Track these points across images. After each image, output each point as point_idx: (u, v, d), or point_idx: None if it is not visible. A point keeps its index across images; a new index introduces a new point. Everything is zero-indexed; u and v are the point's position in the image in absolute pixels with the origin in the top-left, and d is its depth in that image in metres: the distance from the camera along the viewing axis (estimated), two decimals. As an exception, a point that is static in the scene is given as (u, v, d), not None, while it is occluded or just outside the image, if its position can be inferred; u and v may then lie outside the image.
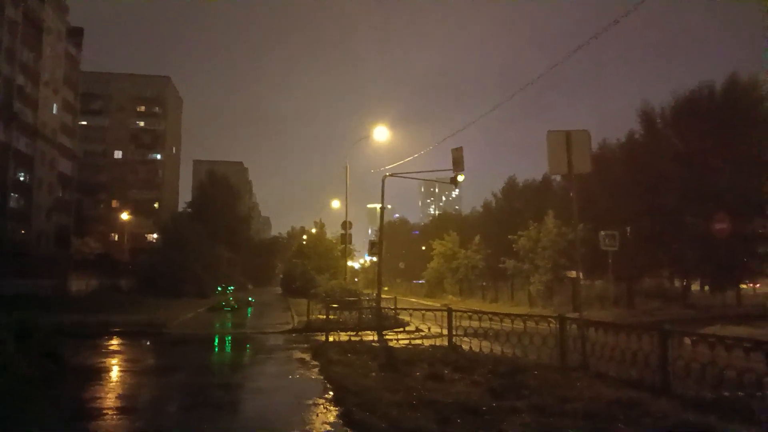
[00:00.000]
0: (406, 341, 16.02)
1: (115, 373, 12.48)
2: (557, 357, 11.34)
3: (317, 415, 8.10)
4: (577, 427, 6.91)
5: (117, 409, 8.85)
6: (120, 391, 10.51)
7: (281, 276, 72.76)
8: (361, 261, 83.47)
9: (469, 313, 14.51)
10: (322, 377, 11.07)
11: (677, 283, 40.77)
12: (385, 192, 23.67)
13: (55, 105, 63.79)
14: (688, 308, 31.95)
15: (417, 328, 17.89)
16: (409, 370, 10.85)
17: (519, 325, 13.00)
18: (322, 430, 7.36)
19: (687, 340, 9.49)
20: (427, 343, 15.04)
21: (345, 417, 7.70)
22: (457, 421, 7.16)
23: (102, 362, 13.72)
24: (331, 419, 7.85)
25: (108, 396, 9.88)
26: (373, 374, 10.51)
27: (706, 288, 38.93)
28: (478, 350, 12.89)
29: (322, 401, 8.95)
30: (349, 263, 46.46)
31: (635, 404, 7.82)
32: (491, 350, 12.63)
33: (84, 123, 78.54)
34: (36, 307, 22.47)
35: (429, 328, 15.62)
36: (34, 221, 58.31)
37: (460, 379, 9.96)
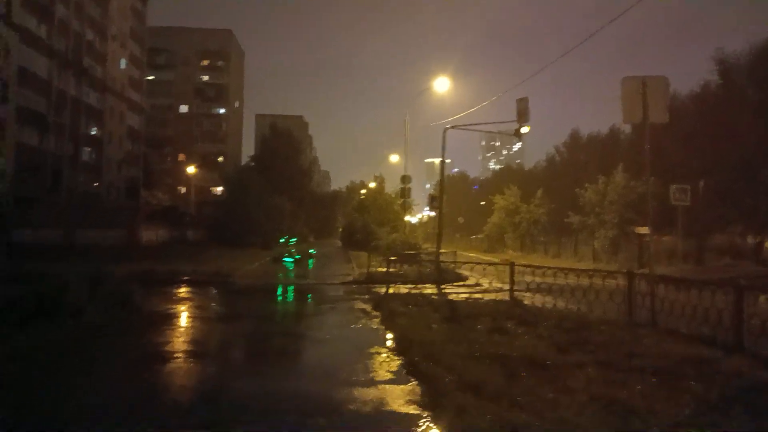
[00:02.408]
0: (467, 295, 15.92)
1: (183, 320, 12.94)
2: (624, 313, 11.03)
3: (380, 364, 8.14)
4: (646, 383, 6.70)
5: (185, 353, 9.19)
6: (188, 337, 10.88)
7: (341, 229, 73.59)
8: (420, 216, 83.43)
9: (532, 268, 14.24)
10: (383, 327, 11.15)
11: (749, 240, 38.94)
12: (445, 145, 23.29)
13: (122, 59, 65.45)
14: (760, 265, 30.48)
15: (477, 282, 17.73)
16: (471, 323, 10.77)
17: (584, 280, 12.67)
18: (386, 378, 7.37)
19: (762, 298, 9.04)
20: (487, 297, 14.89)
21: (408, 367, 7.71)
22: (522, 375, 7.05)
23: (171, 309, 14.23)
24: (394, 368, 7.86)
25: (177, 342, 10.25)
26: (435, 326, 10.48)
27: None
28: (541, 305, 12.67)
29: (384, 351, 9.01)
30: (408, 218, 46.42)
31: (707, 362, 7.54)
32: (555, 305, 12.38)
33: (150, 78, 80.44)
34: (108, 256, 23.57)
35: (490, 283, 15.47)
36: (105, 174, 60.70)
37: (524, 334, 9.81)
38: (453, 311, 11.82)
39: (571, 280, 12.78)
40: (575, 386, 6.68)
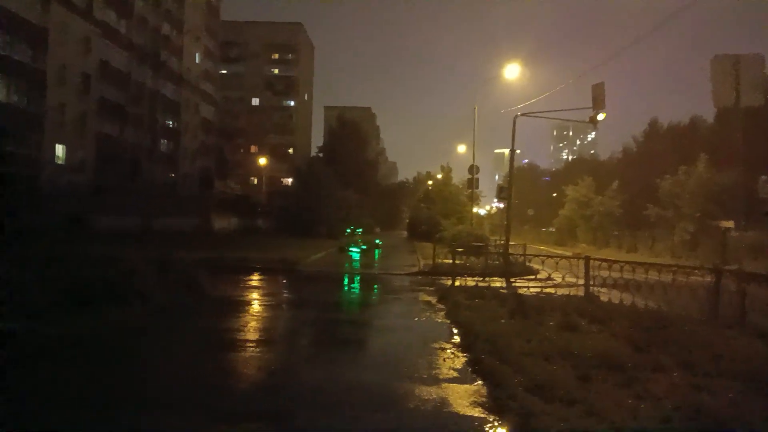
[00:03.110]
0: (537, 289, 15.30)
1: (249, 306, 12.98)
2: (709, 312, 10.21)
3: (444, 360, 7.77)
4: (733, 389, 6.06)
5: (247, 340, 9.14)
6: (252, 324, 10.87)
7: (407, 220, 73.43)
8: (487, 207, 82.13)
9: (609, 263, 13.46)
10: (448, 321, 10.78)
11: None
12: (515, 134, 22.55)
13: (197, 53, 67.38)
14: None
15: (549, 276, 17.01)
16: (541, 318, 10.25)
17: (665, 276, 11.86)
18: (450, 376, 6.98)
19: None
20: (560, 292, 14.22)
21: (474, 364, 7.29)
22: (597, 377, 6.53)
23: (238, 295, 14.35)
24: (459, 365, 7.47)
25: (239, 328, 10.21)
26: (503, 321, 10.01)
27: None
28: (617, 302, 11.94)
29: (449, 346, 8.63)
30: (475, 209, 45.62)
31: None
32: (633, 303, 11.63)
33: (223, 71, 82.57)
34: (182, 243, 24.16)
35: (563, 277, 14.72)
36: (180, 164, 62.82)
37: (598, 332, 9.23)
38: (522, 305, 11.28)
39: (653, 275, 11.99)
40: (656, 391, 6.13)
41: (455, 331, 9.73)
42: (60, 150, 41.43)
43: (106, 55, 46.89)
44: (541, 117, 23.72)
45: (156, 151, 56.86)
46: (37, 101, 38.19)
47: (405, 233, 65.76)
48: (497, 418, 5.40)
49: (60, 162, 41.08)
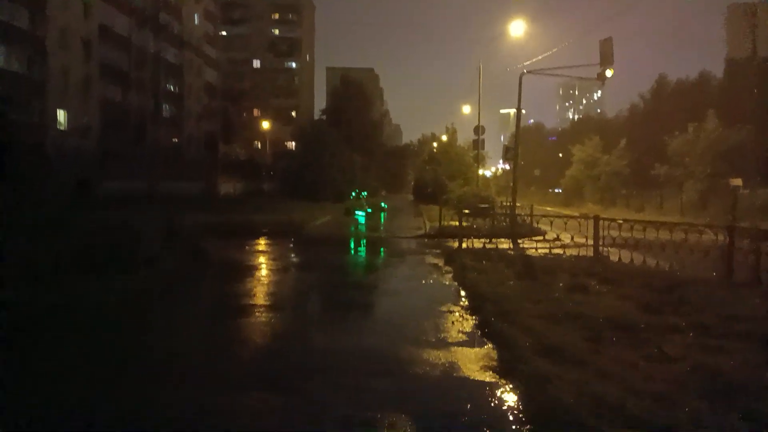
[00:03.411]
0: (545, 251, 15.12)
1: (254, 271, 12.87)
2: (723, 272, 10.06)
3: (452, 323, 7.63)
4: (751, 350, 5.93)
5: (252, 305, 9.03)
6: (256, 288, 10.77)
7: (412, 183, 73.06)
8: (493, 169, 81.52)
9: (619, 222, 13.25)
10: (456, 283, 10.66)
11: None
12: (521, 94, 22.07)
13: (196, 15, 66.21)
14: None
15: (556, 237, 16.81)
16: (549, 280, 10.12)
17: (677, 236, 11.67)
18: (459, 339, 6.84)
19: None
20: (568, 253, 14.05)
21: (483, 327, 7.17)
22: (609, 339, 6.41)
23: (243, 260, 14.25)
24: (467, 329, 7.34)
25: (244, 293, 10.13)
26: (511, 283, 9.89)
27: None
28: (628, 262, 11.78)
29: (457, 308, 8.50)
30: (480, 171, 45.22)
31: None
32: (644, 262, 11.46)
33: (225, 33, 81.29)
34: (188, 207, 24.11)
35: (572, 238, 14.52)
36: (185, 128, 62.36)
37: (609, 293, 9.11)
38: (530, 267, 11.13)
39: (663, 235, 11.80)
40: (670, 354, 6.01)
41: (463, 293, 9.60)
42: (63, 116, 41.08)
43: (106, 19, 46.08)
44: (547, 74, 23.38)
45: (160, 116, 56.37)
46: (38, 67, 37.74)
47: (410, 196, 65.53)
48: (508, 382, 5.28)
49: (63, 128, 40.79)
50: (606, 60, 19.54)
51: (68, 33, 40.81)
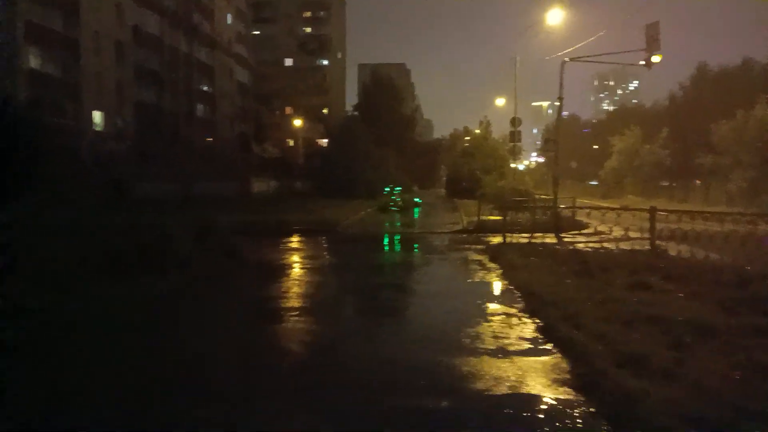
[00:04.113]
0: (593, 245, 14.30)
1: (288, 272, 12.36)
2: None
3: (510, 328, 6.94)
4: None
5: (287, 309, 8.53)
6: (291, 291, 10.23)
7: (445, 178, 72.22)
8: (527, 162, 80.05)
9: (678, 214, 12.39)
10: (506, 282, 9.97)
11: None
12: (562, 82, 21.20)
13: (228, 15, 66.39)
14: None
15: (610, 229, 15.88)
16: (607, 277, 9.38)
17: (742, 227, 10.81)
18: (520, 347, 6.12)
19: None
20: (621, 247, 13.22)
21: (546, 333, 6.47)
22: (691, 345, 5.69)
23: (277, 260, 13.79)
24: (528, 334, 6.63)
25: (279, 296, 9.61)
26: (568, 281, 9.17)
27: None
28: (688, 257, 10.96)
29: (512, 311, 7.83)
30: (514, 165, 44.22)
31: None
32: (707, 257, 10.61)
33: (255, 33, 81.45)
34: (222, 207, 23.88)
35: (625, 231, 13.63)
36: (218, 129, 62.61)
37: (675, 291, 8.34)
38: (583, 264, 10.41)
39: (727, 227, 10.95)
40: (764, 361, 5.29)
41: (517, 294, 8.90)
42: (98, 118, 41.43)
43: (139, 21, 46.38)
44: (589, 61, 22.23)
45: (193, 117, 56.64)
46: (72, 70, 38.06)
47: (443, 191, 64.77)
48: (588, 399, 4.55)
49: (99, 129, 41.15)
50: (653, 45, 18.84)
51: (101, 35, 41.12)
